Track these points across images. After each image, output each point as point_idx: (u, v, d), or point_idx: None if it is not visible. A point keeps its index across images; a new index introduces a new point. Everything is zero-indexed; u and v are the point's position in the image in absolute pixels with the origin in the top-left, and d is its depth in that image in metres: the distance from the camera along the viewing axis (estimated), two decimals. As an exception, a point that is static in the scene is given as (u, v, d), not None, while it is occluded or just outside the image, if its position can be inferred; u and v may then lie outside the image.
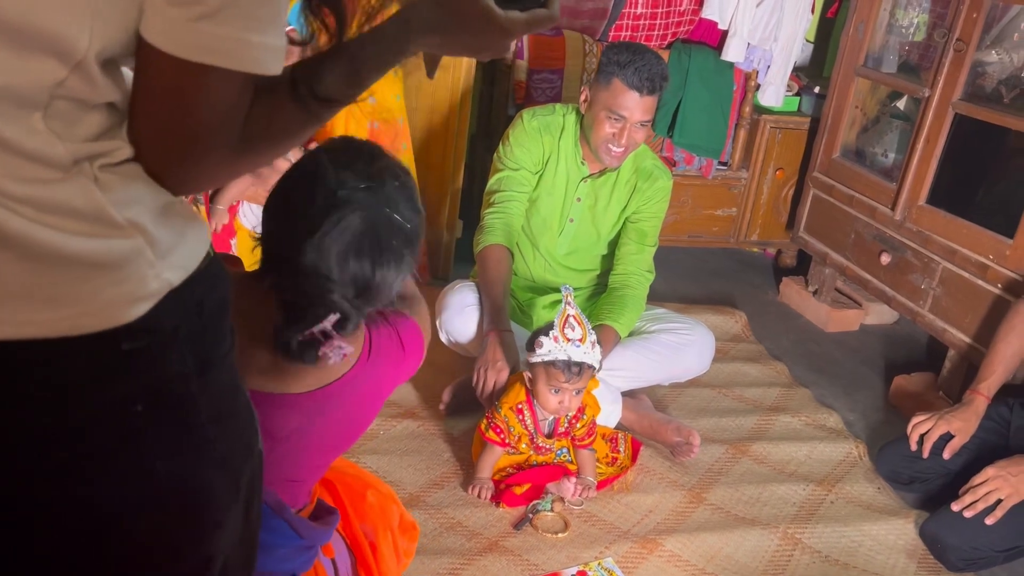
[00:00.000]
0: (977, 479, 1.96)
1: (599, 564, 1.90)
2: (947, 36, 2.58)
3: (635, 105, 2.16)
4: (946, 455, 2.10)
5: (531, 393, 1.98)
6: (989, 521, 1.90)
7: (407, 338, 1.33)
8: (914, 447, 2.13)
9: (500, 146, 2.39)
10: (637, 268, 2.39)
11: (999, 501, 1.91)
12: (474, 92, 3.20)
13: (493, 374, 2.09)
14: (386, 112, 2.87)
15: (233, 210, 2.30)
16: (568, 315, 1.92)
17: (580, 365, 1.90)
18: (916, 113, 2.75)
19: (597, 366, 1.94)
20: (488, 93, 3.42)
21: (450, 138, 3.10)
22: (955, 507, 1.95)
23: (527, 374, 1.97)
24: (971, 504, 1.94)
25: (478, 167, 3.39)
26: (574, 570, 1.88)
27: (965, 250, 2.52)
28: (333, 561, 1.32)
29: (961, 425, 2.11)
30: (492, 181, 2.36)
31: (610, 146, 2.23)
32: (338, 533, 1.37)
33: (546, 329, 1.92)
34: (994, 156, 2.70)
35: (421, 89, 2.94)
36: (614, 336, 2.28)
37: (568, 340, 1.89)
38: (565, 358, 1.89)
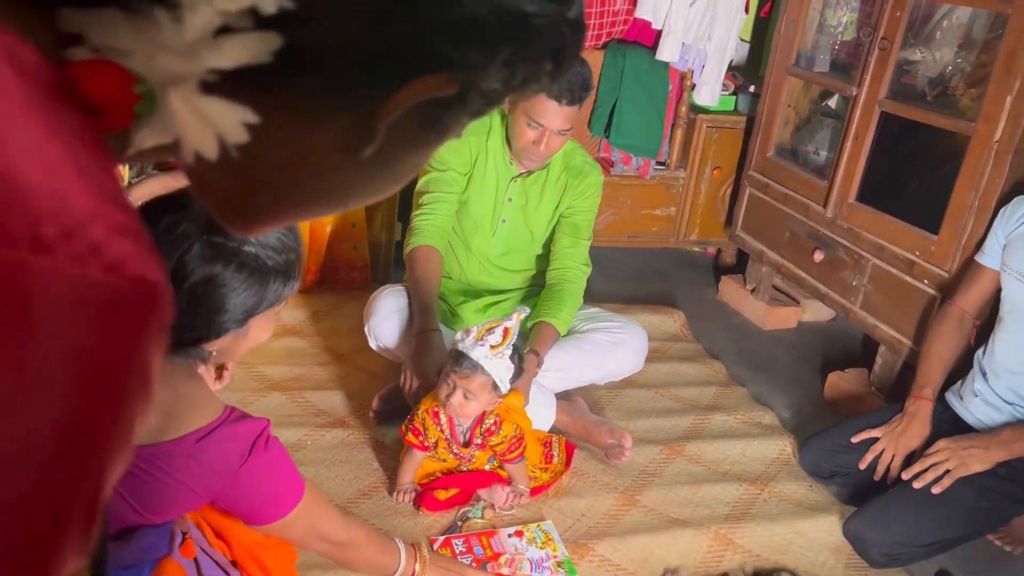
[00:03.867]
0: (929, 451, 1.99)
1: (537, 527, 1.93)
2: (872, 35, 2.61)
3: (554, 114, 2.13)
4: (904, 475, 2.09)
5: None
6: (936, 490, 1.93)
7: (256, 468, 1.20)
8: (864, 465, 2.13)
9: None
10: (573, 262, 2.38)
11: (947, 472, 1.94)
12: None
13: (418, 376, 2.05)
14: None
15: None
16: (503, 326, 1.86)
17: (473, 364, 1.84)
18: (846, 111, 2.78)
19: (493, 378, 1.87)
20: (423, 94, 3.39)
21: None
22: (906, 476, 1.98)
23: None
24: (920, 474, 1.96)
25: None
26: (511, 530, 1.89)
27: (893, 247, 2.55)
28: (195, 561, 1.28)
29: (919, 442, 2.12)
30: (420, 183, 2.33)
31: (530, 152, 2.21)
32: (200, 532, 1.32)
33: (475, 327, 1.89)
34: (920, 153, 2.73)
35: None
36: (554, 333, 2.26)
37: (480, 339, 1.85)
38: (462, 350, 1.86)
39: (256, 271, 1.13)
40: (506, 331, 1.86)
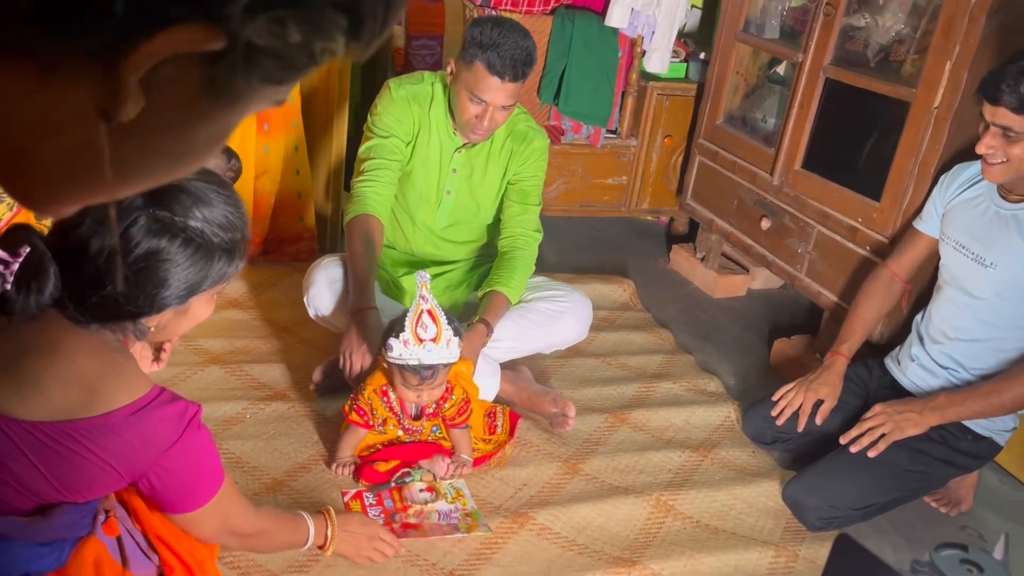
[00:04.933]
0: (865, 416, 2.02)
1: (449, 484, 1.95)
2: (818, 0, 2.60)
3: (497, 90, 2.08)
4: (819, 421, 2.14)
5: (390, 385, 1.92)
6: (871, 454, 1.96)
7: (184, 451, 1.19)
8: (780, 421, 2.16)
9: (369, 116, 2.31)
10: (523, 229, 2.35)
11: (882, 436, 1.97)
12: (354, 62, 3.09)
13: (359, 357, 2.02)
14: None
15: None
16: (422, 311, 1.81)
17: (433, 368, 1.84)
18: (793, 78, 2.77)
19: (456, 359, 1.87)
20: (369, 62, 3.31)
21: (331, 108, 3.00)
22: (843, 440, 2.01)
23: (385, 363, 1.90)
24: (857, 439, 1.99)
25: (361, 137, 3.29)
26: (423, 485, 1.92)
27: (837, 214, 2.56)
28: (118, 539, 1.26)
29: (828, 390, 2.15)
30: (362, 149, 2.27)
31: (474, 127, 2.17)
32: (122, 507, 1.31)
33: (397, 328, 1.82)
34: (864, 120, 2.74)
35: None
36: (504, 302, 2.24)
37: (420, 341, 1.79)
38: (416, 363, 1.81)
39: (201, 248, 1.11)
40: (432, 316, 1.82)
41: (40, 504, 1.17)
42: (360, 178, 2.24)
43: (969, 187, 2.07)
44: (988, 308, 1.99)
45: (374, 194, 2.22)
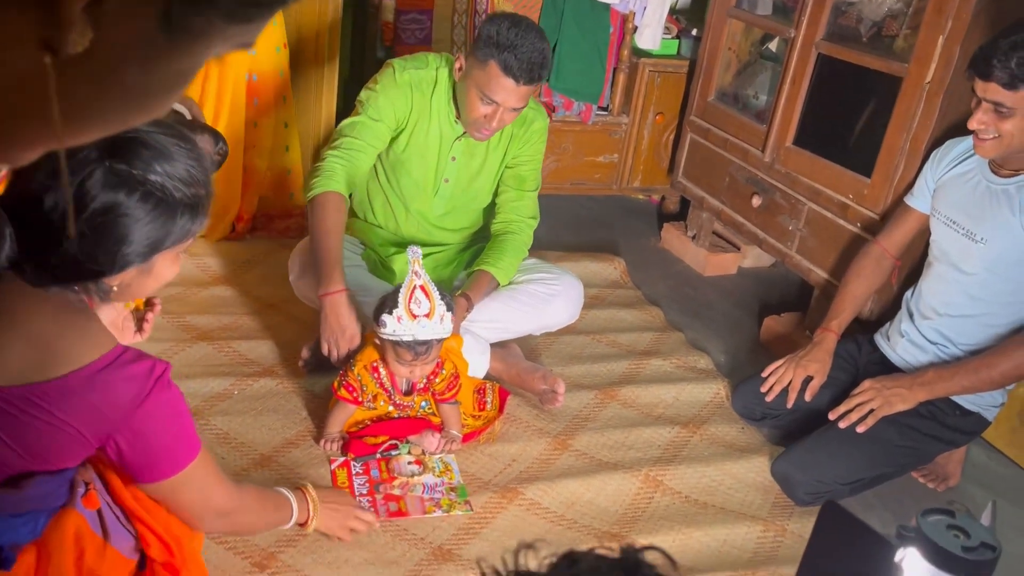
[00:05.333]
0: (854, 392, 2.02)
1: (439, 458, 1.95)
2: (811, -25, 2.58)
3: (511, 93, 2.02)
4: (808, 397, 2.14)
5: (382, 360, 1.91)
6: (860, 429, 1.96)
7: (152, 417, 1.14)
8: (770, 398, 2.15)
9: (365, 90, 2.23)
10: (518, 215, 2.33)
11: (871, 412, 1.98)
12: (343, 34, 3.06)
13: (345, 343, 1.99)
14: (266, 64, 2.72)
15: None
16: (415, 286, 1.80)
17: (427, 343, 1.83)
18: (785, 54, 2.75)
19: (449, 334, 1.86)
20: (358, 35, 3.28)
21: (320, 83, 2.98)
22: (832, 416, 2.01)
23: (377, 339, 1.89)
24: (845, 414, 1.99)
25: (350, 112, 3.26)
26: (411, 458, 1.92)
27: (828, 190, 2.55)
28: (99, 512, 1.24)
29: (817, 367, 2.15)
30: (346, 123, 2.20)
31: (480, 126, 2.11)
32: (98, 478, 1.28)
33: (390, 303, 1.81)
34: (856, 97, 2.73)
35: (288, 34, 2.79)
36: (490, 281, 2.23)
37: (414, 317, 1.79)
38: (410, 339, 1.80)
39: (162, 202, 1.08)
40: (425, 291, 1.81)
41: (10, 475, 1.14)
42: (335, 152, 2.14)
43: (960, 162, 2.06)
44: (978, 284, 1.98)
45: (345, 173, 2.12)
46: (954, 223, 2.02)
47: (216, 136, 2.28)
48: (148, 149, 1.07)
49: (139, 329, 1.49)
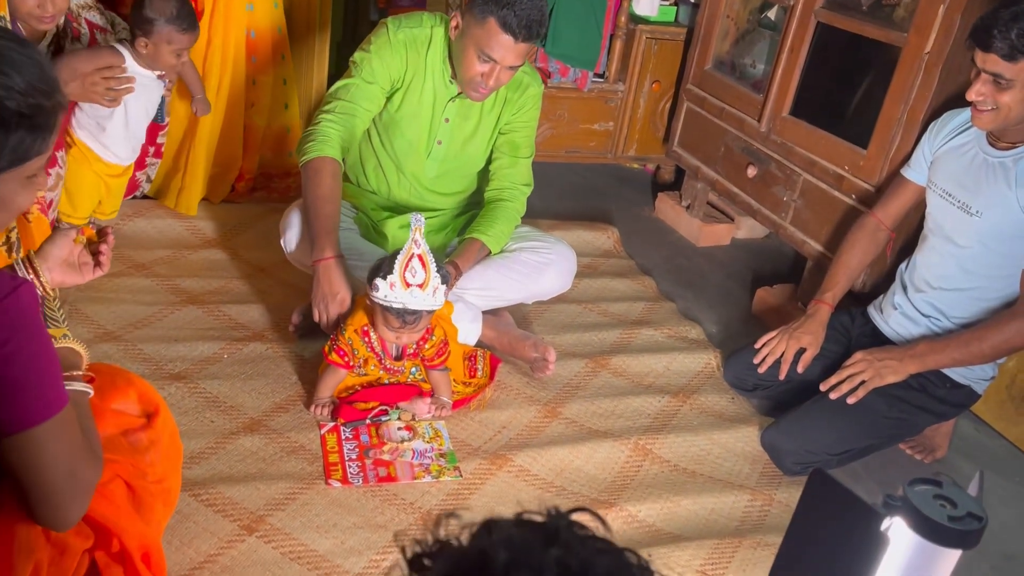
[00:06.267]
0: (846, 363, 2.02)
1: (428, 424, 1.96)
2: (812, -58, 2.54)
3: (509, 50, 1.99)
4: (800, 369, 2.14)
5: (371, 324, 1.90)
6: (851, 401, 1.96)
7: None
8: (763, 369, 2.15)
9: (359, 51, 2.19)
10: (511, 182, 2.31)
11: (862, 383, 1.98)
12: (336, -3, 3.01)
13: (336, 307, 1.98)
14: (264, 20, 2.68)
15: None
16: (412, 255, 1.78)
17: (417, 313, 1.82)
18: (784, 23, 2.72)
19: (440, 306, 1.86)
20: (352, -2, 3.23)
21: (312, 46, 2.93)
22: (823, 387, 2.01)
23: (368, 300, 1.88)
24: (836, 385, 1.99)
25: (343, 75, 3.22)
26: (401, 424, 1.93)
27: (824, 161, 2.53)
28: None
29: (810, 339, 2.15)
30: (340, 85, 2.16)
31: (477, 84, 2.08)
32: None
33: (386, 268, 1.79)
34: (855, 67, 2.70)
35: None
36: (480, 248, 2.21)
37: (408, 286, 1.77)
38: (400, 306, 1.79)
39: None
40: (423, 261, 1.79)
41: None
42: (329, 116, 2.11)
43: (958, 134, 2.04)
44: (972, 257, 1.98)
45: (339, 138, 2.10)
46: (950, 195, 2.01)
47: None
48: None
49: (97, 264, 1.36)
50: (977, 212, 1.94)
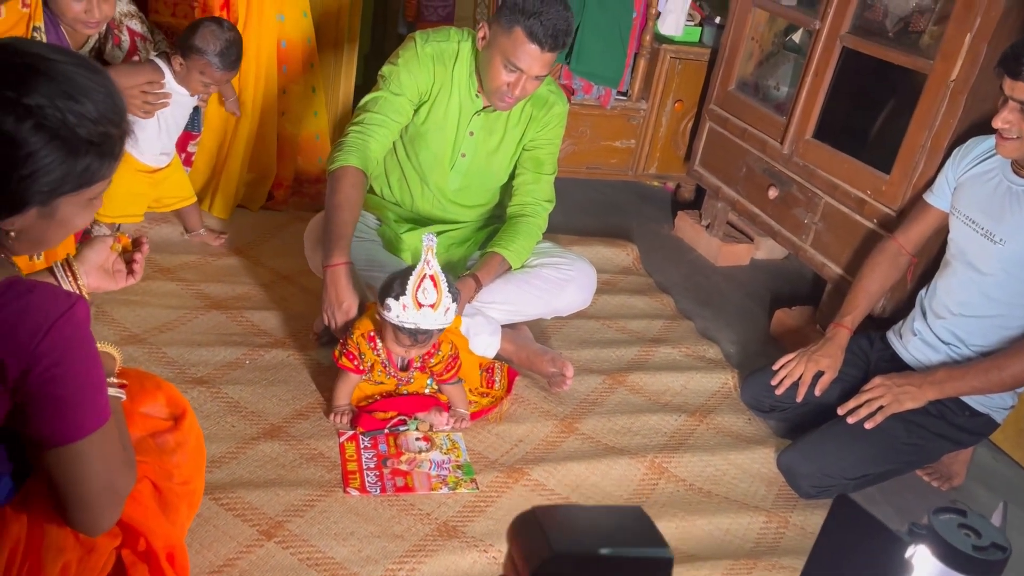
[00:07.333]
0: (865, 387, 2.01)
1: (446, 436, 1.97)
2: (839, -33, 2.55)
3: (535, 59, 2.02)
4: (818, 392, 2.14)
5: (379, 335, 1.92)
6: (868, 426, 1.96)
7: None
8: (780, 391, 2.16)
9: (387, 64, 2.22)
10: (534, 198, 2.33)
11: (880, 408, 1.97)
12: (365, 9, 3.05)
13: (341, 315, 2.00)
14: (295, 31, 2.73)
15: None
16: (425, 275, 1.80)
17: (429, 332, 1.84)
18: (809, 46, 2.73)
19: (450, 323, 1.87)
20: (380, 11, 3.27)
21: (341, 56, 2.97)
22: (841, 411, 2.00)
23: (378, 316, 1.90)
24: (854, 409, 1.99)
25: (370, 87, 3.26)
26: (420, 434, 1.94)
27: (846, 185, 2.54)
28: None
29: (829, 362, 2.15)
30: (369, 98, 2.20)
31: (503, 94, 2.10)
32: None
33: (397, 288, 1.81)
34: (879, 91, 2.71)
35: (311, 7, 2.78)
36: (501, 263, 2.23)
37: (420, 306, 1.79)
38: (412, 327, 1.81)
39: (59, 137, 0.98)
40: (434, 281, 1.80)
41: None
42: (358, 128, 2.15)
43: (982, 161, 2.05)
44: (994, 284, 1.98)
45: (368, 149, 2.13)
46: (973, 222, 2.01)
47: (219, 20, 2.32)
48: (45, 78, 0.98)
49: (130, 272, 1.38)
50: (1001, 240, 1.94)
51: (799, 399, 2.14)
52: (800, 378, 2.14)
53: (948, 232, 2.12)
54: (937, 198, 2.16)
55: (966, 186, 2.07)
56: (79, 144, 1.00)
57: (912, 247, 2.22)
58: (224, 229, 2.70)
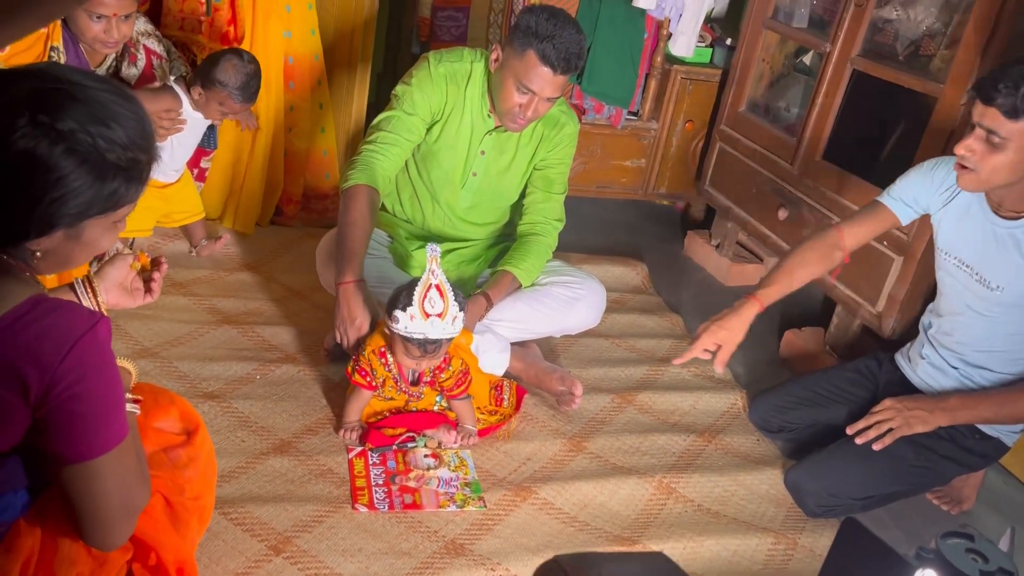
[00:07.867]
0: (875, 409, 1.99)
1: (454, 453, 1.97)
2: (850, -10, 2.57)
3: (547, 82, 2.04)
4: (718, 368, 2.02)
5: (389, 350, 1.93)
6: (877, 447, 1.93)
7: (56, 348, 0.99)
8: (679, 361, 2.05)
9: (400, 84, 2.25)
10: (544, 217, 2.34)
11: (890, 431, 1.94)
12: (378, 29, 3.08)
13: (353, 332, 2.01)
14: (302, 47, 2.76)
15: None
16: (430, 285, 1.82)
17: (437, 342, 1.85)
18: (819, 68, 2.75)
19: (458, 332, 1.88)
20: (394, 30, 3.30)
21: (354, 75, 3.00)
22: (850, 431, 1.98)
23: (387, 330, 1.91)
24: (863, 430, 1.96)
25: (383, 106, 3.28)
26: (428, 451, 1.96)
27: (855, 207, 2.54)
28: None
29: (726, 335, 2.01)
30: (382, 117, 2.23)
31: (515, 116, 2.12)
32: None
33: (404, 300, 1.82)
34: (889, 114, 2.72)
35: (324, 25, 2.81)
36: (512, 281, 2.24)
37: (427, 316, 1.80)
38: (421, 337, 1.82)
39: (88, 162, 1.00)
40: (440, 291, 1.82)
41: None
42: (371, 147, 2.18)
43: (956, 196, 1.96)
44: (999, 323, 1.94)
45: (380, 168, 2.16)
46: (967, 266, 1.95)
47: (240, 52, 2.33)
48: (77, 103, 1.00)
49: (148, 291, 1.41)
50: (998, 287, 1.89)
51: (719, 370, 2.03)
52: (806, 400, 2.12)
53: (937, 271, 2.05)
54: (898, 204, 2.05)
55: (948, 224, 1.99)
56: (108, 168, 1.02)
57: (852, 245, 2.10)
58: (234, 243, 2.72)
